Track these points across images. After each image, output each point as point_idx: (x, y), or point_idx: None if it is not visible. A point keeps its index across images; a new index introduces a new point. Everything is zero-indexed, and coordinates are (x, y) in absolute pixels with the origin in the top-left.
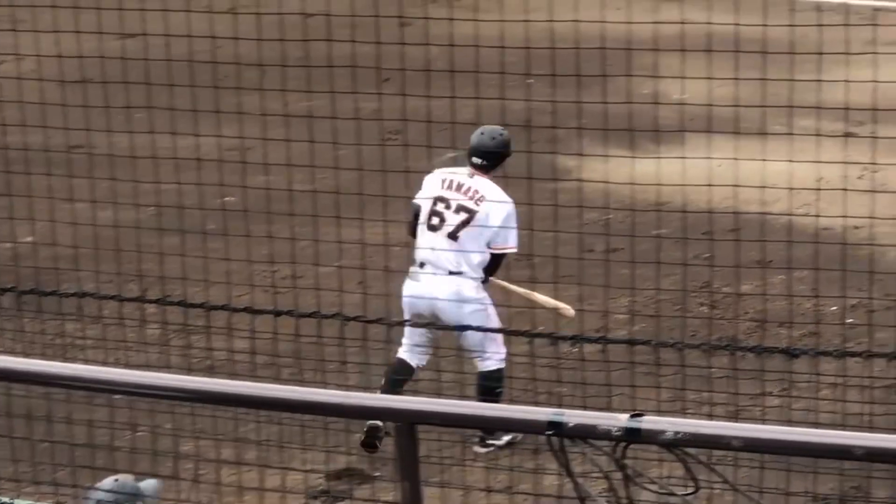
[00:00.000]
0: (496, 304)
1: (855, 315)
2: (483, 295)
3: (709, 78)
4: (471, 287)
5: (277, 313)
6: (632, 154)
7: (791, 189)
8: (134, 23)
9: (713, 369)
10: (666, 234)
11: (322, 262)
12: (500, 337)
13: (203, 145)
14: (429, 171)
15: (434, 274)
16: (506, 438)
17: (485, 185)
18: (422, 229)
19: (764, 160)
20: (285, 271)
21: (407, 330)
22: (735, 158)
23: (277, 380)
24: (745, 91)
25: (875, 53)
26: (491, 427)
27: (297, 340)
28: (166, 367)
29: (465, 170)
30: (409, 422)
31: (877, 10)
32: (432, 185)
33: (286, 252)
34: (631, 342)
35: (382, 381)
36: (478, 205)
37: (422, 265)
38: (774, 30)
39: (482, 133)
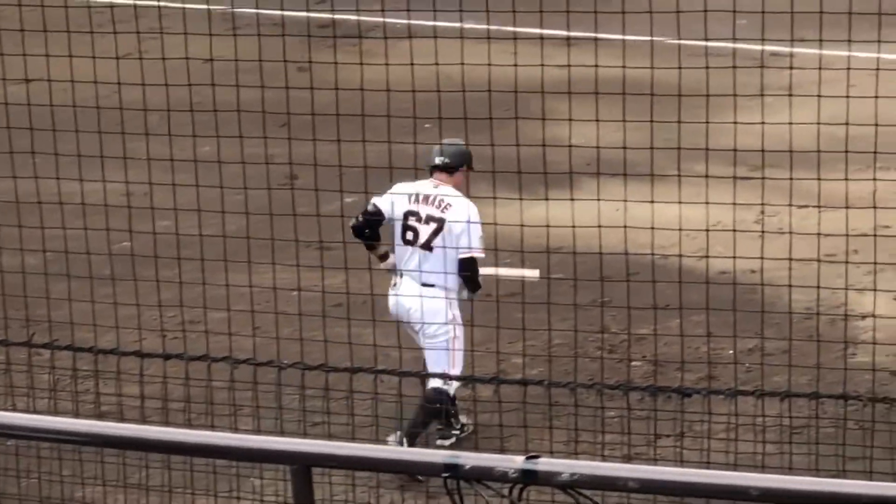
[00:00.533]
0: (465, 324)
1: (751, 358)
2: (455, 312)
3: (599, 120)
4: (442, 301)
5: (167, 357)
6: (545, 196)
7: (708, 230)
8: (36, 67)
9: (608, 409)
10: (561, 278)
11: (215, 306)
12: (459, 358)
13: (99, 191)
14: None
15: (410, 284)
16: (459, 427)
17: (450, 194)
18: (398, 244)
19: (653, 202)
20: (178, 316)
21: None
22: (626, 201)
23: (167, 424)
24: (638, 136)
25: (763, 95)
26: (413, 439)
27: (186, 385)
28: (55, 413)
29: (429, 182)
30: (304, 464)
31: (766, 54)
32: (399, 198)
33: (184, 297)
34: (524, 382)
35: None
36: (444, 212)
37: (400, 275)
38: (666, 74)
39: (441, 142)
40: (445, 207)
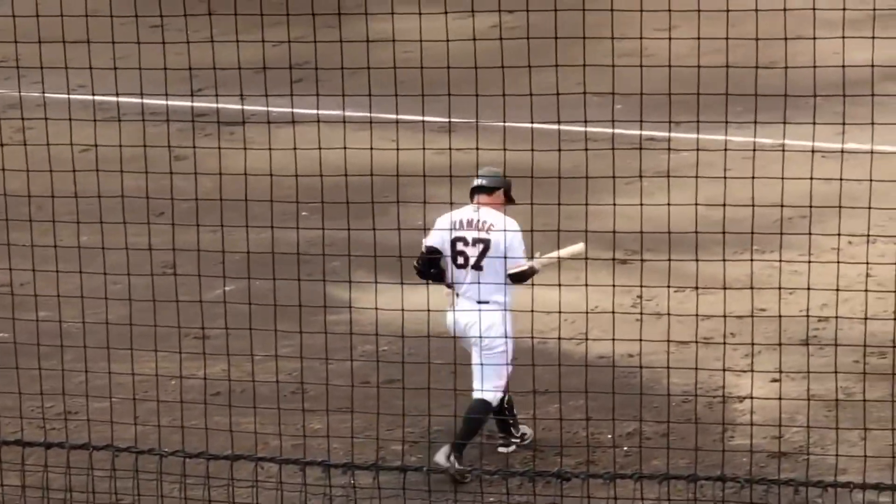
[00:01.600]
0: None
1: (630, 442)
2: (509, 327)
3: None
4: (497, 317)
5: (48, 446)
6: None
7: (587, 313)
8: None
9: (487, 494)
10: (441, 363)
11: (96, 395)
12: (503, 371)
13: None
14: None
15: (466, 303)
16: (519, 436)
17: (490, 215)
18: (451, 268)
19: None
20: (59, 406)
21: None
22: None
23: None
24: (519, 220)
25: (642, 177)
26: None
27: (67, 474)
28: None
29: (470, 207)
30: None
31: (644, 138)
32: (445, 231)
33: (65, 386)
34: (403, 469)
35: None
36: (489, 233)
37: (457, 296)
38: (545, 158)
39: (483, 171)
40: (489, 228)
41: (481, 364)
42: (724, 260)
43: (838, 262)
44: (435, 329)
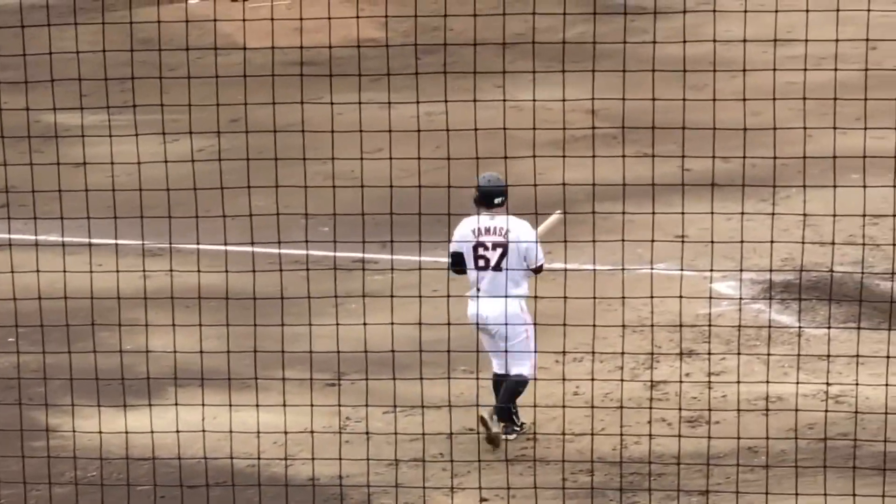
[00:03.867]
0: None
1: None
2: (527, 316)
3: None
4: (517, 307)
5: None
6: (122, 403)
7: (286, 433)
8: None
9: None
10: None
11: None
12: (533, 353)
13: None
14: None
15: (488, 296)
16: (514, 436)
17: (503, 220)
18: (471, 269)
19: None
20: None
21: (484, 345)
22: (203, 405)
23: None
24: (216, 343)
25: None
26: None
27: None
28: None
29: (485, 216)
30: None
31: (353, 260)
32: (467, 236)
33: None
34: None
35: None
36: (506, 238)
37: (478, 290)
38: (240, 280)
39: (489, 180)
40: (505, 233)
41: (505, 353)
42: (420, 379)
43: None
44: (136, 453)
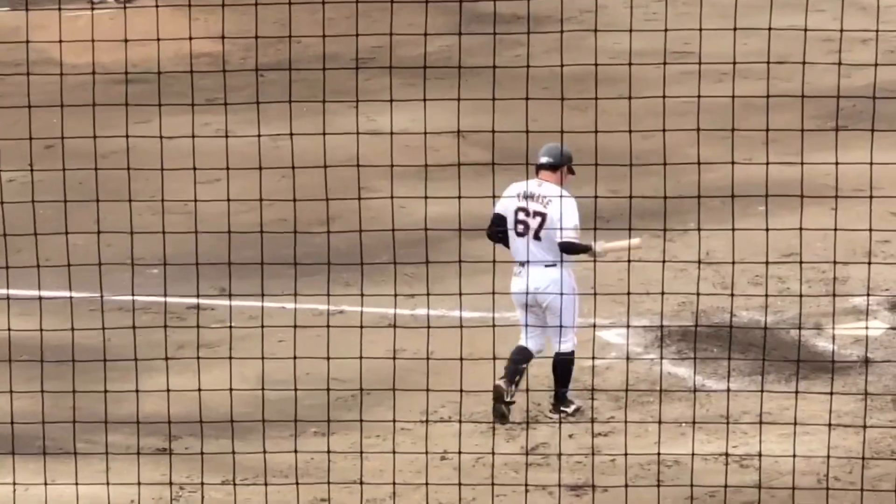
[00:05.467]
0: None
1: None
2: (573, 284)
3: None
4: (563, 275)
5: None
6: None
7: None
8: None
9: None
10: None
11: None
12: (576, 323)
13: None
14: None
15: (533, 269)
16: (573, 407)
17: (550, 189)
18: (511, 236)
19: None
20: None
21: (521, 319)
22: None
23: None
24: (50, 404)
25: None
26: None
27: None
28: None
29: (535, 181)
30: None
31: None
32: (511, 199)
33: None
34: None
35: (507, 364)
36: (546, 207)
37: (521, 264)
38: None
39: (548, 146)
40: (547, 203)
41: (552, 322)
42: (264, 449)
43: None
44: None
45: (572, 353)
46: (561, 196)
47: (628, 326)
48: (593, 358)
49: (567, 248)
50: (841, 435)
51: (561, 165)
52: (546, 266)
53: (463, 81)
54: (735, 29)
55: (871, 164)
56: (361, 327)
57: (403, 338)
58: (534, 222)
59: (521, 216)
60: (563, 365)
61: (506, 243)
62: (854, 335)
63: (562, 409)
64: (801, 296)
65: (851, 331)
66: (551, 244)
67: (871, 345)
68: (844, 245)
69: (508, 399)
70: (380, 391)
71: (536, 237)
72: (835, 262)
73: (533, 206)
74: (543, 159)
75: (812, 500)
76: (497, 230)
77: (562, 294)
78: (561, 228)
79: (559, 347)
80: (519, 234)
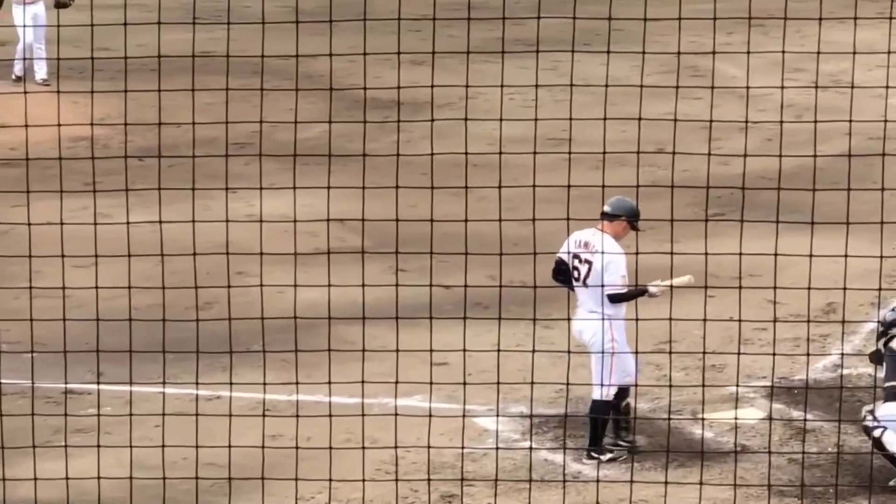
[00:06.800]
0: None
1: None
2: (615, 334)
3: None
4: (600, 326)
5: None
6: None
7: None
8: None
9: None
10: None
11: None
12: (615, 371)
13: None
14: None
15: (581, 314)
16: (608, 456)
17: (596, 237)
18: (572, 282)
19: None
20: None
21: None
22: None
23: None
24: None
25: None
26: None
27: None
28: None
29: (593, 229)
30: None
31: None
32: (569, 245)
33: None
34: None
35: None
36: (593, 255)
37: (575, 308)
38: None
39: (615, 197)
40: (595, 251)
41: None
42: None
43: None
44: None
45: (601, 402)
46: (602, 249)
47: (497, 412)
48: (462, 448)
49: (613, 298)
50: None
51: (618, 216)
52: (590, 312)
53: (343, 166)
54: (605, 119)
55: (741, 254)
56: (231, 416)
57: (283, 424)
58: (584, 268)
59: (576, 263)
60: (593, 411)
61: (567, 284)
62: (731, 423)
63: (593, 454)
64: (670, 386)
65: (728, 419)
66: (596, 292)
67: (747, 433)
68: (721, 332)
69: (615, 454)
70: (256, 479)
71: (585, 284)
72: (704, 352)
73: (585, 254)
74: (606, 208)
75: None
76: (559, 274)
77: (601, 348)
78: (602, 283)
79: (593, 394)
80: (574, 280)
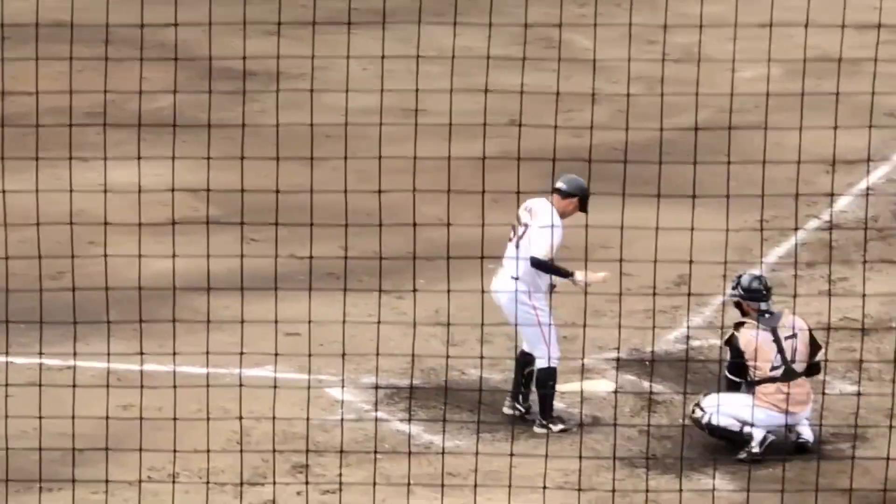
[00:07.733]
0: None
1: None
2: (533, 301)
3: None
4: (524, 291)
5: None
6: None
7: None
8: None
9: None
10: None
11: None
12: (552, 339)
13: None
14: None
15: (502, 275)
16: (560, 426)
17: (542, 205)
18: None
19: None
20: None
21: None
22: None
23: None
24: None
25: None
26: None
27: None
28: None
29: (544, 198)
30: None
31: None
32: (517, 208)
33: None
34: None
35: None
36: (532, 221)
37: (498, 269)
38: None
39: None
40: (533, 216)
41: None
42: None
43: None
44: None
45: (548, 369)
46: (543, 217)
47: (342, 383)
48: (308, 419)
49: (535, 262)
50: (569, 495)
51: (568, 195)
52: (511, 277)
53: (198, 137)
54: (451, 91)
55: (587, 226)
56: (74, 386)
57: (136, 394)
58: (520, 230)
59: (515, 223)
60: (537, 383)
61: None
62: (581, 394)
63: (546, 423)
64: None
65: (577, 391)
66: (523, 257)
67: (598, 404)
68: (573, 304)
69: (516, 412)
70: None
71: (517, 245)
72: (551, 324)
73: (523, 217)
74: (560, 185)
75: None
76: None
77: (527, 319)
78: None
79: (532, 352)
80: (510, 240)
